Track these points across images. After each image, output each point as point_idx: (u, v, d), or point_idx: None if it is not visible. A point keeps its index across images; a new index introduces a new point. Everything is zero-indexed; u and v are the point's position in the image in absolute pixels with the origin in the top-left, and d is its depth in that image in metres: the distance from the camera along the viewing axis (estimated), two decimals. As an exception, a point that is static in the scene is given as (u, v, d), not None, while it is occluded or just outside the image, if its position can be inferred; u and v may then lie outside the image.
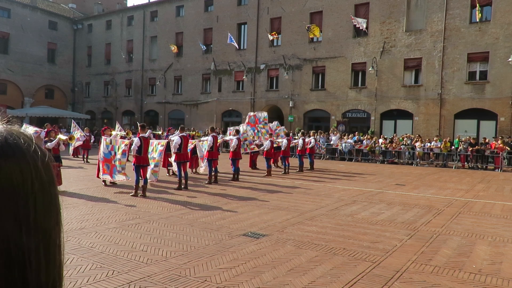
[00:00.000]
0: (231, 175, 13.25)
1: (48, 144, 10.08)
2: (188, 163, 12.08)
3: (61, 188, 10.26)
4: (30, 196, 0.57)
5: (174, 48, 32.79)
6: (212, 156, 12.18)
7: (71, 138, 10.89)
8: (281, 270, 4.78)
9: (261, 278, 4.52)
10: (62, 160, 11.08)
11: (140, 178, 9.95)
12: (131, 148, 9.95)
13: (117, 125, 15.82)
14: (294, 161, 17.62)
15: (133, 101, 38.21)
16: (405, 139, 21.61)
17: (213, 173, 12.36)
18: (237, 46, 29.85)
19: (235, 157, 13.10)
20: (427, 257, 5.41)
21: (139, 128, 10.32)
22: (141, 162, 9.80)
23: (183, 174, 11.01)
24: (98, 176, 11.40)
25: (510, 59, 20.32)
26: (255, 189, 11.25)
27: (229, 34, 29.45)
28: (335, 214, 8.07)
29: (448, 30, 22.92)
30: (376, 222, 7.43)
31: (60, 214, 0.63)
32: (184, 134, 11.47)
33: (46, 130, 12.40)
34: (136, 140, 9.83)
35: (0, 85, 36.50)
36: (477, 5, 21.27)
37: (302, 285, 4.34)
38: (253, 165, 17.05)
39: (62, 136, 10.47)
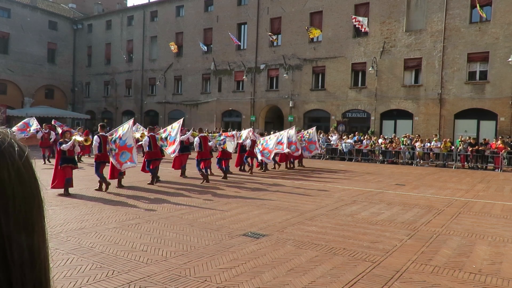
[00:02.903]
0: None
1: (64, 145, 9.68)
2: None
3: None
4: (7, 186, 0.56)
5: (174, 48, 32.76)
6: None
7: (86, 140, 10.70)
8: (281, 270, 4.78)
9: (261, 278, 4.52)
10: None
11: (101, 174, 10.36)
12: (93, 145, 10.63)
13: (138, 126, 16.15)
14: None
15: (133, 101, 38.21)
16: (405, 139, 21.61)
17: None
18: (239, 43, 29.83)
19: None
20: (427, 257, 5.41)
21: (99, 127, 11.03)
22: (101, 159, 10.47)
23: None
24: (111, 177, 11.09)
25: (510, 59, 20.31)
26: (255, 189, 11.26)
27: (230, 34, 29.48)
28: (335, 214, 8.07)
29: (448, 30, 22.92)
30: (376, 222, 7.43)
31: (44, 207, 0.62)
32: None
33: (61, 130, 12.28)
34: (95, 137, 10.54)
35: (0, 85, 36.50)
36: (477, 5, 21.26)
37: (302, 285, 4.34)
38: (240, 165, 16.15)
39: (78, 138, 10.32)
